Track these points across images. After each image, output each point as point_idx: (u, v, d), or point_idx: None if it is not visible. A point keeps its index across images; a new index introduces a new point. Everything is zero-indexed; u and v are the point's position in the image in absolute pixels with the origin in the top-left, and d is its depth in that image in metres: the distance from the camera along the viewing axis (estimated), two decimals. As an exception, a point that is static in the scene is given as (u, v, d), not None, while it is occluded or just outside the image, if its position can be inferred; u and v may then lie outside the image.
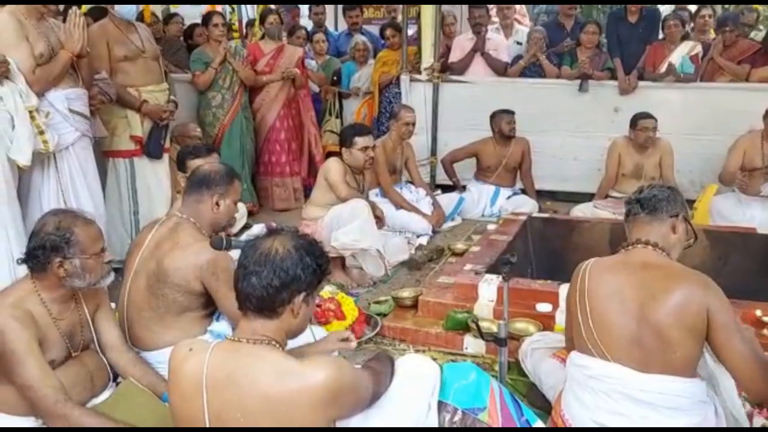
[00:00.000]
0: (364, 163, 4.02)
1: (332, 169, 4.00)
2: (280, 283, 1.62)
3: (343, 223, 3.83)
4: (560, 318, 2.96)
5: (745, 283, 3.76)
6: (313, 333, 2.41)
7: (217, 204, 2.54)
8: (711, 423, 1.99)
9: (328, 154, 5.51)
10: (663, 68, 5.51)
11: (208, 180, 2.55)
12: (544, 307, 3.06)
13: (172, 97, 4.22)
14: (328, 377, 1.56)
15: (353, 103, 6.32)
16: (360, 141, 3.97)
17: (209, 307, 2.50)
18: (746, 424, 2.15)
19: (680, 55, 5.47)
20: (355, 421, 1.86)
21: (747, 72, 5.38)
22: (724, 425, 2.03)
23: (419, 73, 5.94)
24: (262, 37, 5.84)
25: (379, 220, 4.10)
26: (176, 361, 1.67)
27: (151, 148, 4.07)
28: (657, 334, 1.94)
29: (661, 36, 5.78)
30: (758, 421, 2.29)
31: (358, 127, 4.22)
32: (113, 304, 2.52)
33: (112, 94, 3.83)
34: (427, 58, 5.88)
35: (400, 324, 3.23)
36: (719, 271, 3.98)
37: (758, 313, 2.81)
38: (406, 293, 3.47)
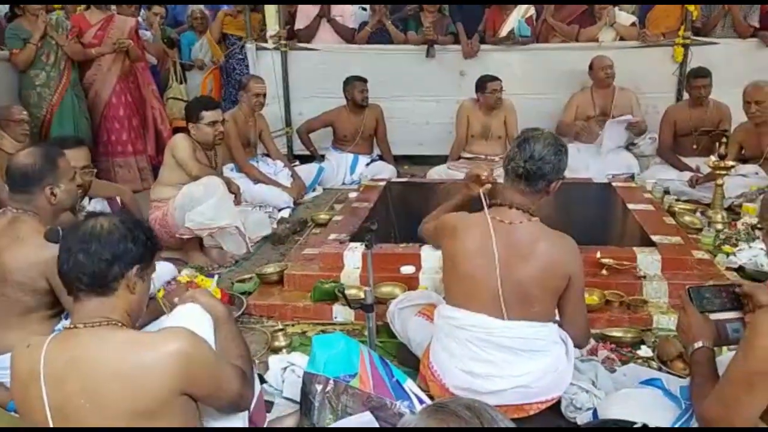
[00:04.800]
0: (214, 139, 3.83)
1: (179, 146, 3.77)
2: (111, 256, 1.56)
3: (196, 202, 3.64)
4: (423, 278, 3.05)
5: (585, 228, 4.07)
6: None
7: (53, 194, 2.33)
8: (563, 361, 2.14)
9: (176, 130, 5.20)
10: (503, 31, 5.76)
11: (29, 176, 2.31)
12: (407, 269, 3.12)
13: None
14: (183, 346, 1.51)
15: (197, 76, 6.00)
16: (207, 115, 3.76)
17: (56, 306, 2.29)
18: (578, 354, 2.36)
19: (516, 18, 5.74)
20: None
21: (576, 32, 5.77)
22: (572, 357, 2.19)
23: (265, 41, 5.75)
24: (88, 7, 5.34)
25: (236, 196, 3.98)
26: (15, 361, 1.55)
27: (-36, 134, 3.61)
28: (520, 291, 2.05)
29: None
30: (602, 353, 2.50)
31: (204, 101, 4.00)
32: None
33: None
34: (272, 26, 5.71)
35: (266, 301, 3.15)
36: (563, 220, 4.27)
37: (598, 255, 3.05)
38: (271, 269, 3.39)
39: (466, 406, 0.98)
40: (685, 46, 5.49)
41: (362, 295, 2.51)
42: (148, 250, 1.64)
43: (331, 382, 2.05)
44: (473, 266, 2.09)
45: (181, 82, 5.95)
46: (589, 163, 5.08)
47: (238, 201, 4.03)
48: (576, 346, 2.27)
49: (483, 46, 5.75)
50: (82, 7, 5.40)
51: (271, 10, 5.69)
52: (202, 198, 3.64)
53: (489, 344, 2.08)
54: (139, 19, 5.86)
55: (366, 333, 2.52)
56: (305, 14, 5.91)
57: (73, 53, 4.88)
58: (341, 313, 3.00)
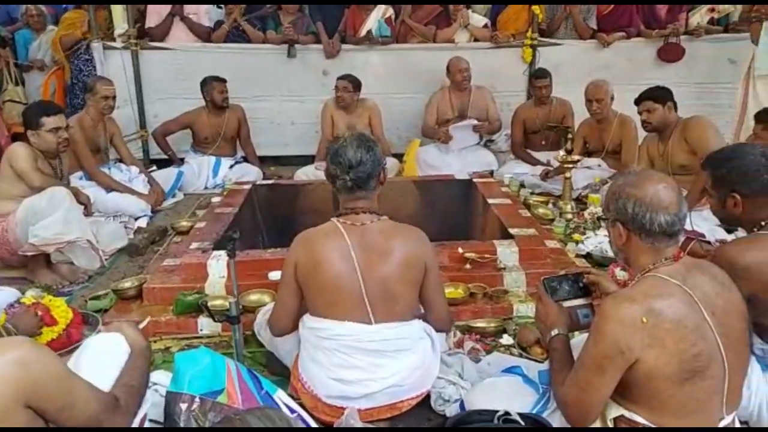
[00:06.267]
0: (58, 146, 3.54)
1: (18, 155, 3.45)
2: None
3: (41, 215, 3.35)
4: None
5: (449, 223, 4.23)
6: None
7: None
8: (429, 355, 2.19)
9: (15, 137, 4.75)
10: (363, 31, 5.81)
11: None
12: (276, 275, 3.02)
13: None
14: (22, 354, 1.41)
15: (37, 77, 5.52)
16: (48, 122, 3.47)
17: None
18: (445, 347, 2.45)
19: (376, 18, 5.82)
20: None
21: (433, 33, 5.95)
22: (438, 350, 2.25)
23: (113, 39, 5.41)
24: None
25: (86, 207, 3.72)
26: None
27: None
28: (384, 291, 2.08)
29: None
30: (468, 345, 2.59)
31: (45, 106, 3.68)
32: None
33: None
34: (121, 24, 5.39)
35: (124, 317, 2.93)
36: (429, 216, 4.40)
37: (460, 250, 3.14)
38: (128, 283, 3.19)
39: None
40: (533, 47, 5.85)
41: (228, 306, 2.42)
42: None
43: (197, 399, 1.96)
44: (333, 274, 2.07)
45: (17, 84, 5.44)
46: (451, 162, 5.26)
47: (88, 212, 3.78)
48: (441, 330, 2.34)
49: (344, 46, 5.78)
50: None
51: (118, 8, 5.36)
52: (47, 211, 3.36)
53: (357, 350, 2.09)
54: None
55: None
56: (156, 12, 5.64)
57: None
58: (207, 325, 2.87)
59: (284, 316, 2.26)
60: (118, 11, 5.39)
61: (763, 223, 2.05)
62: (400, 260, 2.09)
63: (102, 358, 1.78)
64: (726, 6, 6.09)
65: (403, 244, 2.12)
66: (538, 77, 5.25)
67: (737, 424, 1.78)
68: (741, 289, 1.84)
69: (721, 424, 1.68)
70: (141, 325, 2.52)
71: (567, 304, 1.99)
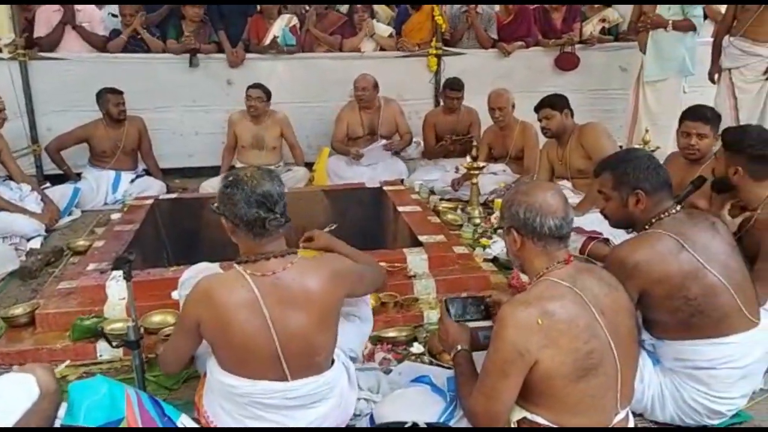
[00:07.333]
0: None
1: None
2: None
3: None
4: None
5: (361, 232, 4.21)
6: None
7: None
8: (346, 392, 2.09)
9: None
10: (267, 40, 5.74)
11: None
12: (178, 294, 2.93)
13: None
14: None
15: None
16: None
17: None
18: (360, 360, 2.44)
19: (280, 27, 5.77)
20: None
21: (339, 42, 5.96)
22: (355, 381, 2.16)
23: (-1, 50, 5.10)
24: None
25: (-30, 230, 3.45)
26: None
27: None
28: (303, 345, 1.92)
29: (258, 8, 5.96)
30: (379, 356, 2.59)
31: None
32: None
33: None
34: (6, 33, 5.07)
35: (15, 347, 2.76)
36: (341, 225, 4.37)
37: (370, 259, 3.14)
38: (19, 309, 2.99)
39: None
40: (438, 56, 5.98)
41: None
42: None
43: (95, 431, 1.86)
44: (244, 335, 1.86)
45: None
46: (362, 172, 5.27)
47: (-27, 235, 3.51)
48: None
49: (249, 55, 5.70)
50: None
51: (2, 16, 5.04)
52: (-77, 236, 3.11)
53: (271, 407, 1.94)
54: None
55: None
56: (46, 20, 5.34)
57: None
58: (107, 350, 2.72)
59: (175, 361, 2.09)
60: (3, 20, 5.07)
61: (654, 220, 2.17)
62: (320, 308, 1.92)
63: (8, 398, 1.69)
64: (615, 16, 6.45)
65: (321, 287, 1.93)
66: (453, 89, 5.28)
67: (631, 419, 1.87)
68: (632, 287, 1.96)
69: (616, 419, 1.76)
70: (57, 369, 2.39)
71: (470, 325, 2.05)
